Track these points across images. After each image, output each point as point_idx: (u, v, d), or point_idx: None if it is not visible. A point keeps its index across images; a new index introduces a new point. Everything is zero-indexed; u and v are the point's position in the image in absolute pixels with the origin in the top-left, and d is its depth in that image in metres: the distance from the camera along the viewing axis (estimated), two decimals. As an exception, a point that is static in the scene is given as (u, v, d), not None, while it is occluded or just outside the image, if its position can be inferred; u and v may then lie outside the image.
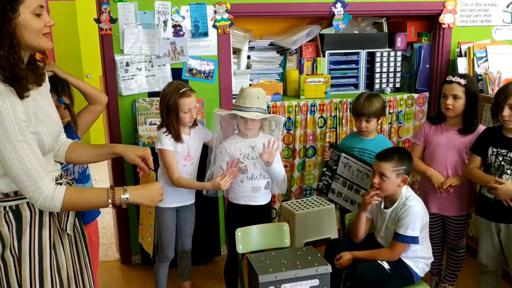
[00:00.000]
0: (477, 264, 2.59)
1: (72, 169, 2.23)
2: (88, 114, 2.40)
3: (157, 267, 2.71)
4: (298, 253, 2.33)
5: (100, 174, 5.08)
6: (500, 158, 2.33)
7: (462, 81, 2.51)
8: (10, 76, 1.41)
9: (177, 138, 2.50)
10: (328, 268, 2.18)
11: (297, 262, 2.21)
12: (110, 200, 1.53)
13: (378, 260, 2.31)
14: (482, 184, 2.43)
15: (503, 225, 2.38)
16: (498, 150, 2.35)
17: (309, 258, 2.25)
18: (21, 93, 1.43)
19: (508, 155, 2.32)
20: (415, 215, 2.27)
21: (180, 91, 2.45)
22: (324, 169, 2.87)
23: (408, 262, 2.33)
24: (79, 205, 1.55)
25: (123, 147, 1.78)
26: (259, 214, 2.61)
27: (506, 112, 2.28)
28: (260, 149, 2.50)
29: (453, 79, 2.54)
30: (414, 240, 2.27)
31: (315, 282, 2.17)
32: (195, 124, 2.63)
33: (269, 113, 3.23)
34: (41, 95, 1.58)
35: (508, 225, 2.36)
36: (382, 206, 2.40)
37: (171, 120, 2.47)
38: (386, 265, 2.29)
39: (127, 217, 3.28)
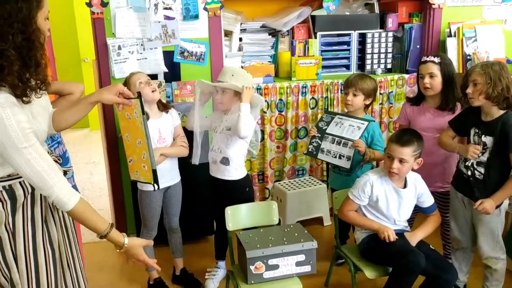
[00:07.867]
0: (451, 239, 2.63)
1: (53, 152, 2.25)
2: (63, 101, 2.10)
3: None
4: (286, 230, 2.40)
5: (99, 157, 5.14)
6: (476, 138, 2.34)
7: (436, 60, 2.56)
8: (43, 80, 1.52)
9: None
10: (313, 244, 2.25)
11: (284, 239, 2.28)
12: (104, 233, 1.61)
13: (431, 231, 2.47)
14: (449, 150, 2.49)
15: (466, 199, 2.43)
16: (479, 131, 2.35)
17: (296, 234, 2.32)
18: (28, 98, 1.49)
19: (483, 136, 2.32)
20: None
21: (129, 74, 2.59)
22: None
23: None
24: (81, 220, 1.59)
25: (97, 93, 1.73)
26: (225, 189, 2.65)
27: (469, 89, 2.26)
28: (230, 124, 2.53)
29: (427, 58, 2.59)
30: None
31: (301, 257, 2.24)
32: (166, 107, 2.66)
33: (261, 95, 3.28)
34: None
35: (471, 202, 2.38)
36: (394, 187, 2.42)
37: None
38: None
39: (122, 198, 3.35)
